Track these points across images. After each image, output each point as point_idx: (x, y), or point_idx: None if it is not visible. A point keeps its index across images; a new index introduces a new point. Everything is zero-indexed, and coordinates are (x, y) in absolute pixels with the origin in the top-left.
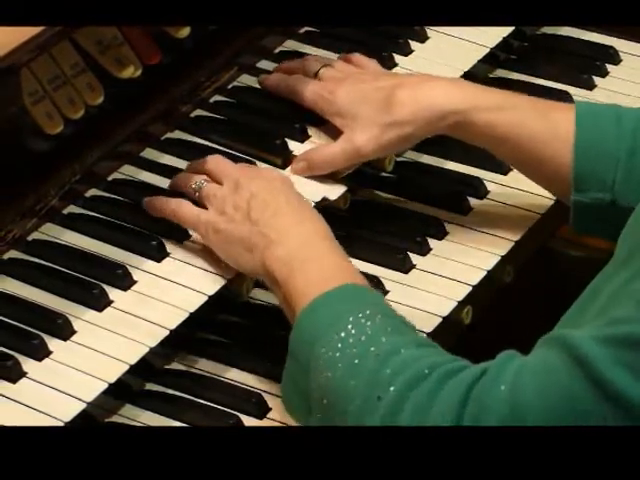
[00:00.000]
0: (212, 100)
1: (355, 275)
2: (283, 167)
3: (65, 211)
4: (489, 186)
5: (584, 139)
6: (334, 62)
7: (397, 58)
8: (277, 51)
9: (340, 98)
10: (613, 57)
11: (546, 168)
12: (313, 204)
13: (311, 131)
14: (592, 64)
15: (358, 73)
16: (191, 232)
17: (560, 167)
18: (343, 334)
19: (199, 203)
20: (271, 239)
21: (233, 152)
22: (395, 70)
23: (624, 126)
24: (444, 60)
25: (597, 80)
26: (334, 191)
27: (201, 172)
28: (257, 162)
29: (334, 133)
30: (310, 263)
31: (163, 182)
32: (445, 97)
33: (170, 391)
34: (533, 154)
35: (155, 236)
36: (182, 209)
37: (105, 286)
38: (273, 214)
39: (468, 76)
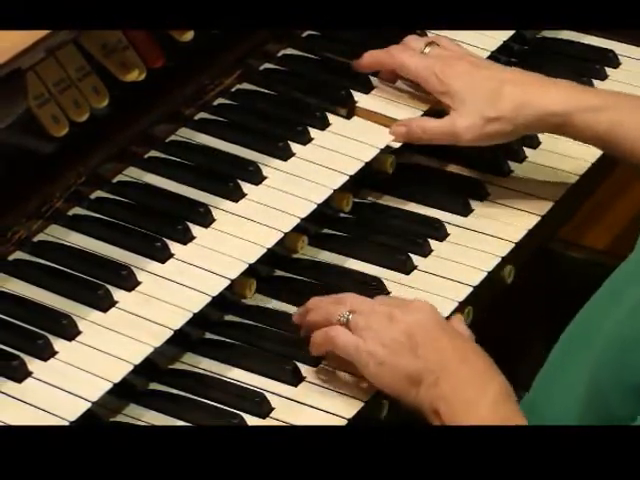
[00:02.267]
0: (216, 103)
1: (516, 415)
2: (285, 168)
3: (70, 213)
4: (490, 188)
5: None
6: (439, 39)
7: None
8: (280, 55)
9: (452, 79)
10: (612, 60)
11: None
12: (316, 205)
13: (313, 133)
14: (592, 67)
15: (469, 56)
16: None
17: None
18: None
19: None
20: (438, 377)
21: (236, 154)
22: None
23: None
24: None
25: (597, 83)
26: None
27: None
28: (260, 165)
29: (337, 138)
30: (472, 406)
31: (167, 184)
32: (547, 99)
33: (174, 391)
34: (635, 151)
35: (159, 237)
36: (341, 337)
37: (110, 287)
38: (437, 350)
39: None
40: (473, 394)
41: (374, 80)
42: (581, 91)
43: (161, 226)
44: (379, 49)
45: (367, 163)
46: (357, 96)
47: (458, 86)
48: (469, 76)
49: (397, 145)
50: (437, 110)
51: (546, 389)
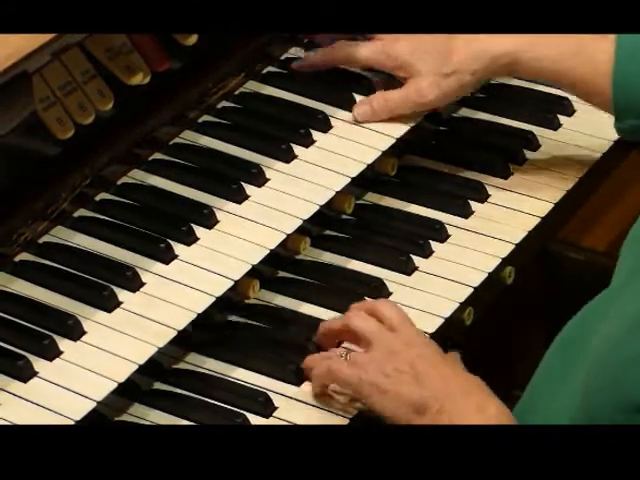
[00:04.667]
0: (219, 106)
1: None
2: (288, 170)
3: (75, 214)
4: (490, 190)
5: (622, 74)
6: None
7: None
8: (282, 58)
9: (400, 51)
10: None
11: (592, 99)
12: (318, 207)
13: (316, 135)
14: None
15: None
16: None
17: (603, 97)
18: None
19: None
20: (442, 404)
21: (239, 156)
22: None
23: None
24: None
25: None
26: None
27: (343, 325)
28: (263, 167)
29: (339, 140)
30: None
31: (171, 186)
32: (495, 42)
33: (178, 390)
34: (578, 88)
35: (163, 239)
36: (341, 370)
37: (114, 288)
38: (442, 379)
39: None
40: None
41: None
42: (528, 35)
43: (165, 228)
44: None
45: (369, 165)
46: (359, 99)
47: (408, 55)
48: (416, 43)
49: (398, 135)
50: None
51: (539, 395)
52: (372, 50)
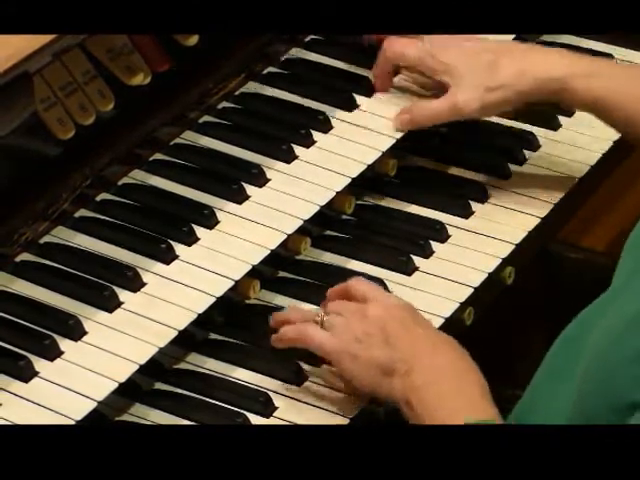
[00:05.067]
0: (220, 106)
1: (490, 409)
2: (288, 170)
3: (76, 215)
4: (491, 190)
5: None
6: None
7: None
8: (283, 58)
9: (448, 57)
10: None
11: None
12: (319, 207)
13: (316, 136)
14: None
15: (462, 37)
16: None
17: None
18: None
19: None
20: (410, 366)
21: (240, 157)
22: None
23: None
24: None
25: None
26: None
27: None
28: (264, 167)
29: (339, 141)
30: (445, 400)
31: (172, 187)
32: (546, 65)
33: (179, 390)
34: (629, 120)
35: (164, 239)
36: (316, 336)
37: (115, 288)
38: (410, 340)
39: None
40: (446, 387)
41: None
42: (578, 57)
43: (166, 228)
44: (375, 66)
45: (369, 166)
46: (359, 99)
47: (455, 62)
48: (464, 51)
49: (398, 136)
50: None
51: (539, 395)
52: (421, 50)
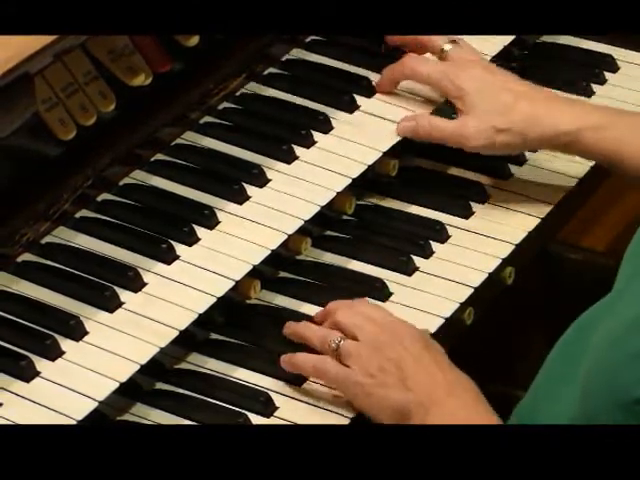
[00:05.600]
0: (220, 107)
1: None
2: (289, 171)
3: (77, 215)
4: (490, 191)
5: None
6: (460, 39)
7: None
8: (284, 59)
9: (466, 84)
10: (611, 65)
11: None
12: (319, 207)
13: (317, 136)
14: (591, 72)
15: (486, 63)
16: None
17: None
18: None
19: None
20: (427, 410)
21: (241, 157)
22: None
23: None
24: None
25: (596, 88)
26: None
27: (329, 322)
28: (264, 168)
29: (340, 141)
30: None
31: (173, 187)
32: (557, 118)
33: (179, 390)
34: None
35: (165, 239)
36: (331, 371)
37: (116, 288)
38: (427, 383)
39: None
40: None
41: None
42: (589, 110)
43: (167, 228)
44: (389, 68)
45: (370, 166)
46: (360, 100)
47: (472, 91)
48: (483, 83)
49: (399, 137)
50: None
51: (541, 397)
52: (439, 71)
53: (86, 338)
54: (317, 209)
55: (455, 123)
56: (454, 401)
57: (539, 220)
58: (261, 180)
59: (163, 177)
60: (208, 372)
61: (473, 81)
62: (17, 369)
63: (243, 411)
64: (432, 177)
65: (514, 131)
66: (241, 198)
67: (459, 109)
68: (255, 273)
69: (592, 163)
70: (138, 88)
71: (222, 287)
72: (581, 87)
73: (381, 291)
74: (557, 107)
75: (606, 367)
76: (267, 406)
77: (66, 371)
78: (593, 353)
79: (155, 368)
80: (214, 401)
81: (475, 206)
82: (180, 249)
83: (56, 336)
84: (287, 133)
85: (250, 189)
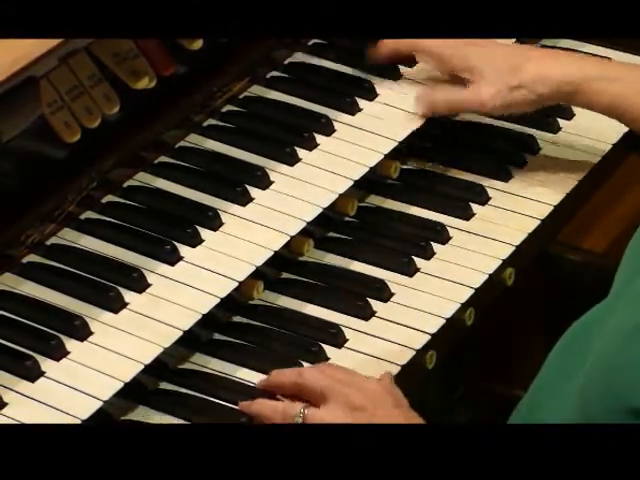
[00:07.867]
0: (224, 110)
1: None
2: (292, 173)
3: (82, 217)
4: (491, 192)
5: None
6: None
7: (402, 69)
8: (286, 62)
9: (471, 54)
10: None
11: None
12: (322, 209)
13: (319, 139)
14: None
15: (489, 39)
16: None
17: None
18: None
19: None
20: None
21: (244, 159)
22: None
23: None
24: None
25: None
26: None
27: (291, 387)
28: (267, 170)
29: (342, 143)
30: None
31: (176, 189)
32: (562, 70)
33: (183, 390)
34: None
35: (169, 241)
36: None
37: (121, 289)
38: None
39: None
40: None
41: (378, 88)
42: (593, 62)
43: (171, 230)
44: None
45: (371, 168)
46: (362, 103)
47: (478, 60)
48: (490, 52)
49: (400, 139)
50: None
51: (541, 397)
52: (442, 44)
53: (91, 338)
54: (319, 211)
55: (469, 91)
56: None
57: (539, 221)
58: (264, 182)
59: (167, 179)
60: (212, 372)
61: (478, 51)
62: (22, 369)
63: None
64: (433, 179)
65: (526, 87)
66: (244, 200)
67: (468, 80)
68: (258, 274)
69: (592, 165)
70: (142, 91)
71: (225, 288)
72: None
73: (382, 292)
74: (563, 60)
75: (604, 375)
76: None
77: (71, 371)
78: (591, 360)
79: (159, 368)
80: (217, 401)
81: (476, 207)
82: (184, 250)
83: (61, 336)
84: (290, 135)
85: (253, 191)
